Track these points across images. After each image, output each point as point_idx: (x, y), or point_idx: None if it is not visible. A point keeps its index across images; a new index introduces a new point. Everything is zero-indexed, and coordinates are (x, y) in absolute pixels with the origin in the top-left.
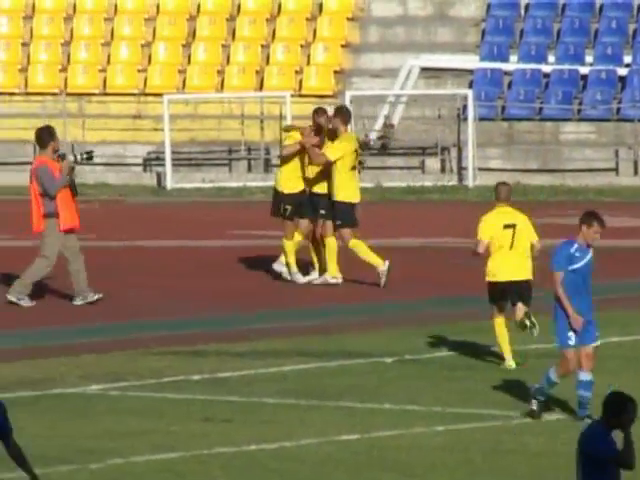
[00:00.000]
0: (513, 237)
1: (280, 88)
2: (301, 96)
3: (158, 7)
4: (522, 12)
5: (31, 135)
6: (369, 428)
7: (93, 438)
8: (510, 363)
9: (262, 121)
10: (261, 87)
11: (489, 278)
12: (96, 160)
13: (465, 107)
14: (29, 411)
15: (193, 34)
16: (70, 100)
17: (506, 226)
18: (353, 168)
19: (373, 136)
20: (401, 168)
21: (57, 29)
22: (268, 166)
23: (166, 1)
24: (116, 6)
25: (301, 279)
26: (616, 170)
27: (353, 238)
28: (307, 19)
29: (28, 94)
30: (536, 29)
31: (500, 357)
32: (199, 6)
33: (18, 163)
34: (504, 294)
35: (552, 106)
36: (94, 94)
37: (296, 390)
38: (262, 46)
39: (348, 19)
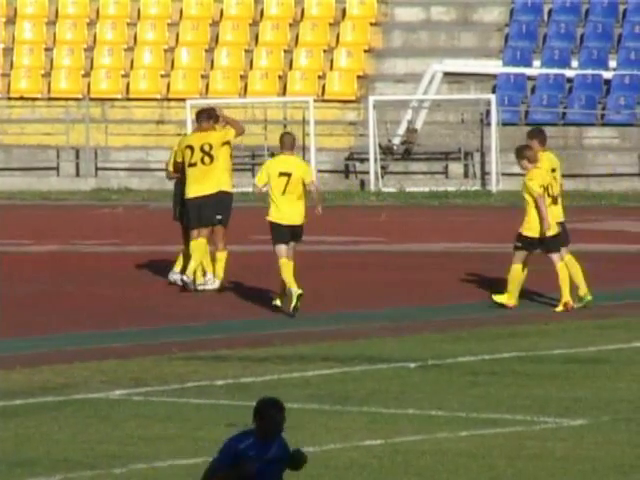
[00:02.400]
0: (287, 184)
1: (303, 93)
2: (324, 101)
3: (181, 12)
4: (545, 17)
5: (54, 140)
6: (393, 433)
7: (116, 443)
8: (277, 302)
9: (285, 126)
10: (284, 92)
11: (269, 218)
12: (119, 165)
13: (488, 112)
14: (52, 416)
15: (216, 39)
16: (93, 105)
17: (281, 174)
18: (191, 165)
19: (396, 141)
20: (424, 173)
21: (80, 34)
22: None
23: (189, 6)
24: (139, 11)
25: (173, 277)
26: None
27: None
28: (330, 24)
29: (51, 99)
30: (559, 34)
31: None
32: (222, 11)
33: (41, 168)
34: (283, 235)
35: (575, 111)
36: (117, 99)
37: (320, 395)
38: (285, 51)
39: (371, 24)
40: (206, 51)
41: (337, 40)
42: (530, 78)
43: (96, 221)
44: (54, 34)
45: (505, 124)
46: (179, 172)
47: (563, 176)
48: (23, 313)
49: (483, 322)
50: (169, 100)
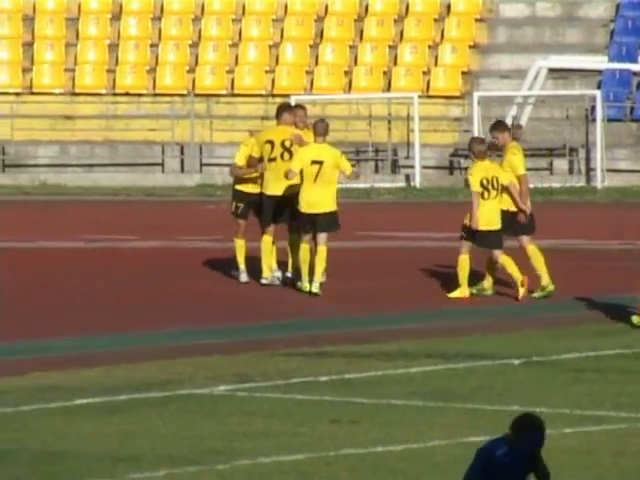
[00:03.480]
0: (318, 172)
1: (407, 89)
2: (429, 97)
3: (286, 8)
4: None
5: (159, 136)
6: (496, 430)
7: (220, 439)
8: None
9: (389, 122)
10: (389, 88)
11: (299, 208)
12: (224, 161)
13: (593, 108)
14: (157, 412)
15: (320, 35)
16: (198, 101)
17: (313, 162)
18: (271, 159)
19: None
20: (529, 169)
21: (185, 30)
22: (395, 167)
23: (294, 2)
24: (244, 7)
25: (244, 278)
26: None
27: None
28: (435, 20)
29: (156, 95)
30: None
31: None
32: (327, 7)
33: (146, 164)
34: (310, 224)
35: None
36: (222, 95)
37: (424, 392)
38: (390, 47)
39: (476, 20)
40: (311, 47)
41: (442, 36)
42: (636, 74)
43: (201, 217)
44: (159, 30)
45: (610, 120)
46: (253, 167)
47: None
48: (126, 309)
49: (585, 319)
50: (274, 96)
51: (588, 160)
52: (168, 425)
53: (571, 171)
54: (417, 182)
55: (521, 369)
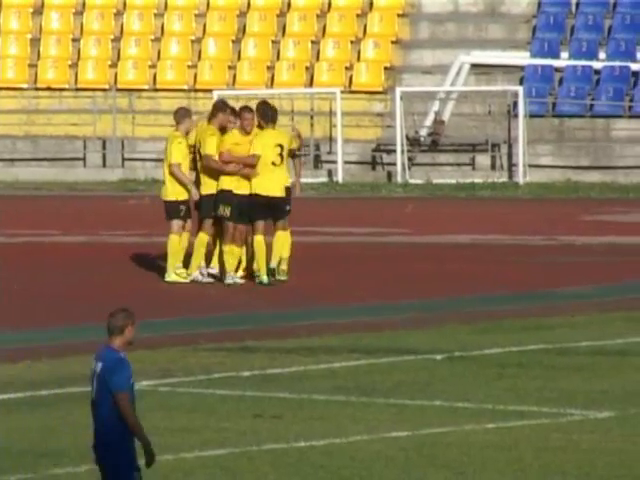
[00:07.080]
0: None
1: (330, 84)
2: (351, 92)
3: (208, 3)
4: (573, 8)
5: (81, 131)
6: (419, 425)
7: None
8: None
9: (312, 117)
10: (311, 83)
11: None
12: (146, 156)
13: (516, 104)
14: (80, 407)
15: (243, 30)
16: (120, 96)
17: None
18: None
19: (423, 132)
20: (451, 165)
21: (107, 25)
22: (318, 162)
23: None
24: (166, 2)
25: (168, 278)
26: None
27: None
28: (357, 15)
29: (78, 90)
30: (587, 25)
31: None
32: (249, 2)
33: (68, 159)
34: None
35: (603, 102)
36: (144, 90)
37: (346, 387)
38: (312, 42)
39: (399, 15)
40: (233, 42)
41: (364, 31)
42: (558, 70)
43: (123, 212)
44: (81, 24)
45: (532, 116)
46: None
47: (590, 168)
48: (49, 304)
49: (509, 314)
50: (196, 91)
51: (510, 156)
52: (90, 420)
53: (493, 167)
54: (340, 177)
55: (444, 364)
